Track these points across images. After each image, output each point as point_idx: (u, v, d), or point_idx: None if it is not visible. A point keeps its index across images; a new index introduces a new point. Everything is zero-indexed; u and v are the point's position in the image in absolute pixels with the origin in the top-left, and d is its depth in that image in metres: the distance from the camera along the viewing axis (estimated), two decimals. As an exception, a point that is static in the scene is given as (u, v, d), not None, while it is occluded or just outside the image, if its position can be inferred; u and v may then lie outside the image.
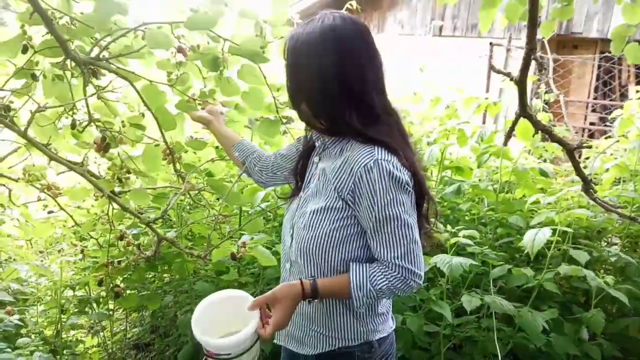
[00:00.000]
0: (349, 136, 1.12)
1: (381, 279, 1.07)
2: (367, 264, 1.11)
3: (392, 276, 1.07)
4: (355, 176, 1.06)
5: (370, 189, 1.04)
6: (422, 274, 1.09)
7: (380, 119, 1.11)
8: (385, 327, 1.24)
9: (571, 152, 1.70)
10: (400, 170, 1.06)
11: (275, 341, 1.30)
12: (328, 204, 1.11)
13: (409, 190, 1.08)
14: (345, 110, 1.09)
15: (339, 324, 1.18)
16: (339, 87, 1.08)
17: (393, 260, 1.06)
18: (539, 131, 1.68)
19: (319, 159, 1.22)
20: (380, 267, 1.08)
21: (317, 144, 1.23)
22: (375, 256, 1.10)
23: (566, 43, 6.63)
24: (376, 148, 1.06)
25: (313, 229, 1.12)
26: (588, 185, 1.74)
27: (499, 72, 1.74)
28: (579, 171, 1.75)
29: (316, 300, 1.13)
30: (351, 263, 1.11)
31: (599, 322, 1.78)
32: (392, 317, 1.29)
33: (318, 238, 1.11)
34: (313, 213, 1.13)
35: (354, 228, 1.11)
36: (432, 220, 1.23)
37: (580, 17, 6.28)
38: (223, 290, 1.16)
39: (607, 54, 5.60)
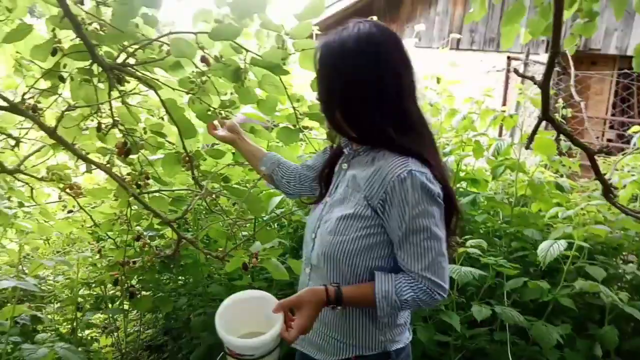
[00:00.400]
0: (382, 145, 1.11)
1: (407, 290, 1.07)
2: (393, 274, 1.10)
3: (417, 288, 1.06)
4: (387, 186, 1.05)
5: (402, 200, 1.04)
6: (447, 287, 1.08)
7: (413, 128, 1.11)
8: (403, 338, 1.23)
9: (592, 156, 1.71)
10: (432, 182, 1.05)
11: (292, 345, 1.30)
12: (356, 211, 1.10)
13: (440, 203, 1.08)
14: (381, 119, 1.08)
15: (357, 332, 1.17)
16: (376, 96, 1.07)
17: (419, 272, 1.06)
18: (561, 134, 1.69)
19: (348, 166, 1.21)
20: (406, 278, 1.08)
21: (345, 151, 1.23)
22: (401, 267, 1.10)
23: (584, 59, 6.60)
24: (410, 159, 1.06)
25: (339, 234, 1.11)
26: (608, 190, 1.74)
27: (522, 76, 1.75)
28: (599, 175, 1.76)
29: (339, 308, 1.11)
30: (376, 272, 1.10)
31: (612, 339, 1.77)
32: (409, 329, 1.28)
33: (344, 244, 1.11)
34: (340, 219, 1.12)
35: (380, 237, 1.10)
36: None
37: (599, 34, 6.26)
38: (248, 290, 1.16)
39: (625, 70, 5.55)
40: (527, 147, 1.80)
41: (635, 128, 2.67)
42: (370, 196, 1.09)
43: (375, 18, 2.32)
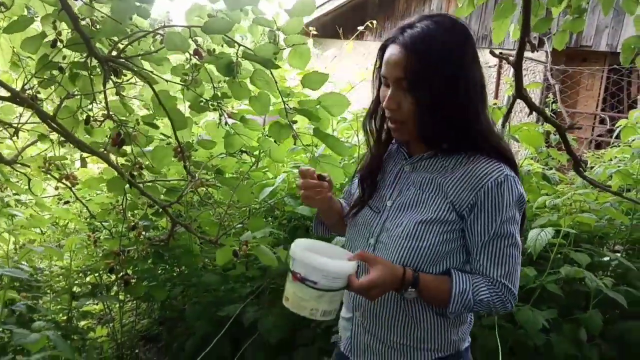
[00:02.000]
0: (472, 148, 1.06)
1: (484, 291, 1.04)
2: (469, 274, 1.07)
3: (494, 292, 1.04)
4: (480, 189, 1.02)
5: (496, 203, 1.01)
6: (517, 297, 1.07)
7: (495, 132, 1.08)
8: (467, 337, 1.19)
9: (562, 133, 1.81)
10: (522, 188, 1.04)
11: (348, 356, 1.22)
12: (438, 215, 1.05)
13: (523, 212, 1.07)
14: (478, 120, 1.04)
15: (429, 332, 1.11)
16: (477, 97, 1.04)
17: (498, 278, 1.04)
18: (533, 111, 1.78)
19: (412, 169, 1.14)
20: (484, 281, 1.05)
21: (403, 152, 1.17)
22: (477, 272, 1.07)
23: (575, 56, 6.66)
24: (502, 163, 1.04)
25: (419, 239, 1.06)
26: (578, 164, 1.84)
27: (497, 55, 1.83)
28: (569, 151, 1.86)
29: (413, 290, 1.03)
30: (452, 270, 1.06)
31: (596, 322, 1.81)
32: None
33: (425, 249, 1.05)
34: (420, 223, 1.06)
35: (458, 242, 1.07)
36: None
37: (590, 31, 6.32)
38: (318, 240, 1.09)
39: (616, 66, 5.64)
40: (503, 125, 1.87)
41: (622, 122, 2.72)
42: (457, 200, 1.05)
43: (374, 23, 2.36)
